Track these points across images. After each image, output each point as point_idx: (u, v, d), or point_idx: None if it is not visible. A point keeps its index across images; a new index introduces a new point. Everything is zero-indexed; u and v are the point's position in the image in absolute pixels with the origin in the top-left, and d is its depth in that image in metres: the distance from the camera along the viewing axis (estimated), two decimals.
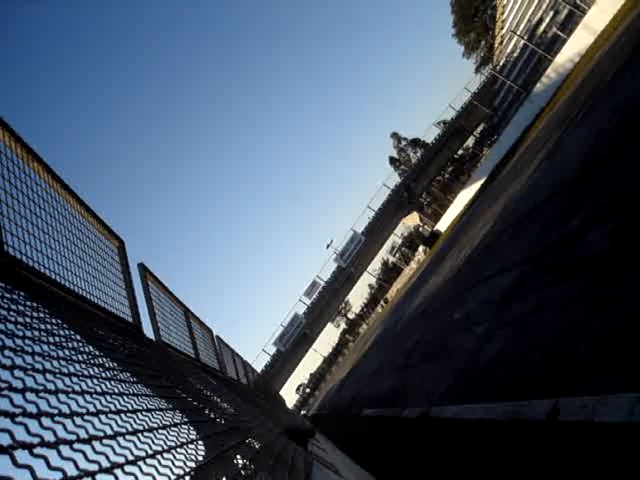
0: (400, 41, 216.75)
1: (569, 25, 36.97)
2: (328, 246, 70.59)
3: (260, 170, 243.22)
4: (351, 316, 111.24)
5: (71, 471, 1.32)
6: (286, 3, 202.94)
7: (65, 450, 1.37)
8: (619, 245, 4.54)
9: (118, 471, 1.48)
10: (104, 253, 4.21)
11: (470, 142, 75.47)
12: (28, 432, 1.32)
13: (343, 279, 68.27)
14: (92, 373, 2.14)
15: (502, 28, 61.89)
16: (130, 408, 2.13)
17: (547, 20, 44.37)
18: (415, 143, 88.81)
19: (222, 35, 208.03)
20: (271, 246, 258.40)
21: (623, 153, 6.81)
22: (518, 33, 47.81)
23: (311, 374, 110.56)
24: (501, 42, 61.97)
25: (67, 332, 2.43)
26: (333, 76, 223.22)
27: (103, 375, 2.24)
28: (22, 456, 1.22)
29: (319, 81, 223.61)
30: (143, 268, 5.48)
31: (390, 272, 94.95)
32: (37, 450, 1.28)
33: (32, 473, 1.19)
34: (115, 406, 2.01)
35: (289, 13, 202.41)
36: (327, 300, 68.32)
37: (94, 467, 1.41)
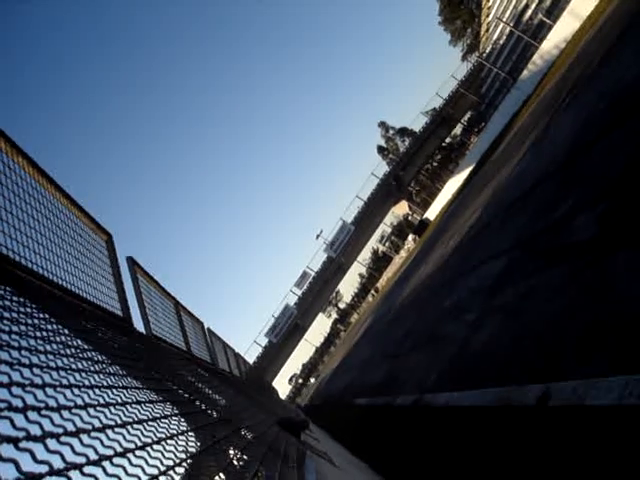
0: (386, 29, 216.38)
1: (555, 11, 36.99)
2: (318, 236, 70.60)
3: (248, 160, 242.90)
4: (342, 306, 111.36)
5: (58, 464, 1.31)
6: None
7: (52, 443, 1.36)
8: (607, 230, 4.55)
9: (106, 463, 1.47)
10: (92, 247, 4.18)
11: (458, 130, 75.51)
12: (14, 426, 1.31)
13: (333, 269, 68.36)
14: (80, 367, 2.13)
15: (488, 15, 61.87)
16: (119, 401, 2.12)
17: (533, 7, 44.36)
18: (403, 132, 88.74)
19: (202, 34, 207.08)
20: (261, 237, 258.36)
21: (610, 137, 6.83)
22: (504, 20, 47.84)
23: (303, 364, 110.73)
24: (487, 29, 62.01)
25: (55, 326, 2.41)
26: (319, 65, 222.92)
27: (92, 369, 2.22)
28: (7, 450, 1.21)
29: (305, 71, 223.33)
30: (132, 261, 5.45)
31: (380, 261, 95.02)
32: (23, 444, 1.26)
33: (17, 467, 1.18)
34: (104, 399, 2.00)
35: (275, 3, 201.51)
36: (318, 290, 68.41)
37: (81, 460, 1.39)
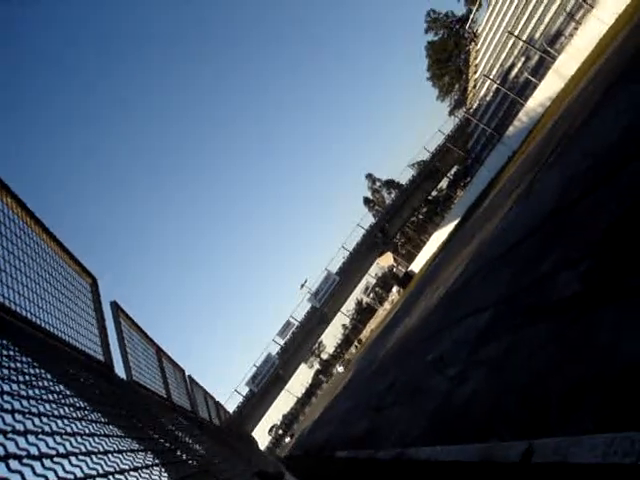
0: (375, 83, 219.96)
1: (540, 70, 37.82)
2: (302, 286, 70.49)
3: (235, 207, 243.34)
4: (325, 357, 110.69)
5: None
6: (264, 44, 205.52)
7: None
8: (590, 287, 4.59)
9: None
10: (77, 290, 4.15)
11: (444, 184, 76.34)
12: None
13: (317, 319, 68.06)
14: (62, 413, 2.10)
15: (475, 72, 63.24)
16: (101, 449, 2.09)
17: (519, 65, 45.40)
18: (389, 184, 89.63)
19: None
20: (245, 284, 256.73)
21: (593, 195, 6.92)
22: (491, 77, 48.79)
23: (284, 415, 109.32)
24: (474, 86, 63.24)
25: (37, 371, 2.39)
26: (309, 115, 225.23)
27: (74, 415, 2.19)
28: None
29: (293, 121, 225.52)
30: (116, 306, 5.42)
31: (364, 312, 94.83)
32: None
33: None
34: (85, 447, 1.97)
35: (266, 54, 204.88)
36: (301, 340, 68.00)
37: None
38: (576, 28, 32.23)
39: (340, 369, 64.88)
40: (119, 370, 5.06)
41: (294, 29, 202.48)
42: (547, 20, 40.68)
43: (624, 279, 4.05)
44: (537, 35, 41.81)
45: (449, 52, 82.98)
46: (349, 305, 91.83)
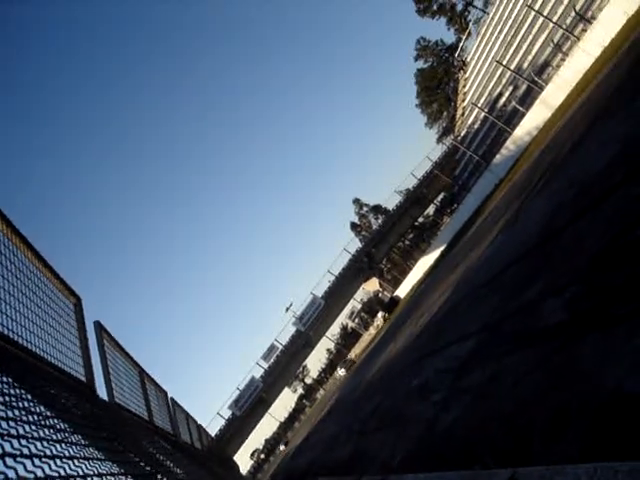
0: (364, 108, 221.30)
1: (527, 100, 38.28)
2: (287, 309, 70.32)
3: (222, 229, 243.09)
4: (308, 381, 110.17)
5: None
6: (254, 68, 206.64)
7: None
8: (575, 315, 4.60)
9: None
10: (60, 309, 4.12)
11: (431, 210, 76.68)
12: None
13: (301, 343, 67.88)
14: (42, 435, 2.06)
15: (464, 100, 63.83)
16: (81, 473, 2.05)
17: (507, 94, 45.93)
18: (377, 209, 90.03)
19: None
20: (230, 307, 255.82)
21: (579, 224, 6.97)
22: (479, 106, 49.20)
23: (266, 439, 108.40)
24: (462, 114, 63.79)
25: (18, 391, 2.35)
26: (296, 139, 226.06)
27: (54, 437, 2.16)
28: None
29: (282, 143, 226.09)
30: (99, 326, 5.38)
31: (349, 337, 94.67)
32: None
33: None
34: (65, 471, 1.93)
35: (257, 77, 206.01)
36: (285, 364, 67.74)
37: None
38: (563, 59, 32.74)
39: (342, 372, 63.44)
40: (101, 391, 5.01)
41: (284, 51, 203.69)
42: (535, 51, 41.26)
43: (610, 307, 4.07)
44: (525, 65, 42.36)
45: (438, 80, 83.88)
46: (334, 329, 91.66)
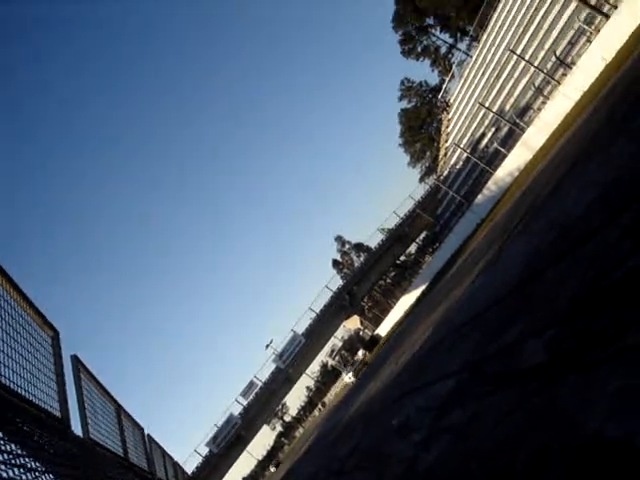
0: (348, 147, 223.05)
1: (509, 142, 38.83)
2: (268, 346, 69.88)
3: (203, 264, 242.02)
4: (287, 419, 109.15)
5: None
6: (229, 114, 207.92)
7: None
8: (555, 357, 4.61)
9: None
10: (36, 342, 4.05)
11: (413, 249, 77.09)
12: None
13: (281, 380, 67.43)
14: (11, 475, 2.00)
15: (446, 141, 64.66)
16: None
17: (489, 136, 46.61)
18: (359, 247, 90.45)
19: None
20: (210, 344, 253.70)
21: (559, 266, 7.02)
22: (461, 146, 49.85)
23: (244, 478, 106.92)
24: (445, 154, 64.56)
25: None
26: (280, 177, 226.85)
27: (23, 478, 2.09)
28: None
29: (266, 181, 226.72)
30: (76, 360, 5.30)
31: (329, 375, 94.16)
32: None
33: None
34: None
35: (228, 124, 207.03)
36: (264, 401, 67.21)
37: None
38: (544, 103, 33.36)
39: (348, 377, 61.50)
40: (76, 426, 4.91)
41: (268, 90, 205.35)
42: (517, 93, 42.04)
43: (590, 350, 4.08)
44: (507, 107, 43.08)
45: (422, 120, 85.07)
46: (314, 367, 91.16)
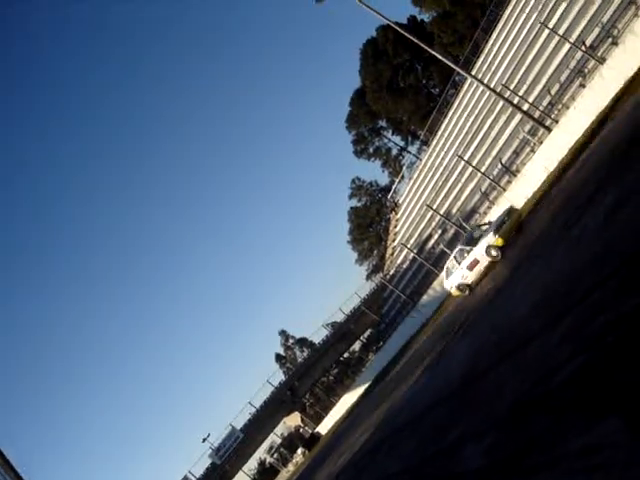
0: (297, 242, 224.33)
1: (455, 244, 39.57)
2: (204, 440, 67.55)
3: (140, 353, 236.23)
4: None
5: None
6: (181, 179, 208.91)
7: None
8: (493, 462, 4.60)
9: None
10: None
11: (357, 346, 76.77)
12: None
13: (217, 477, 65.06)
14: None
15: (394, 240, 65.58)
16: None
17: (435, 237, 47.42)
18: (303, 342, 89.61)
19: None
20: (144, 436, 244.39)
21: (499, 369, 7.09)
22: (408, 246, 50.53)
23: None
24: (392, 253, 65.32)
25: None
26: (223, 269, 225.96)
27: None
28: None
29: (211, 272, 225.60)
30: None
31: (266, 473, 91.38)
32: None
33: None
34: None
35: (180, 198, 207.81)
36: None
37: None
38: (490, 207, 34.28)
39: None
40: None
41: (213, 189, 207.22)
42: (464, 197, 43.13)
43: (527, 456, 4.09)
44: (454, 210, 44.07)
45: (371, 218, 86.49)
46: (251, 464, 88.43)
